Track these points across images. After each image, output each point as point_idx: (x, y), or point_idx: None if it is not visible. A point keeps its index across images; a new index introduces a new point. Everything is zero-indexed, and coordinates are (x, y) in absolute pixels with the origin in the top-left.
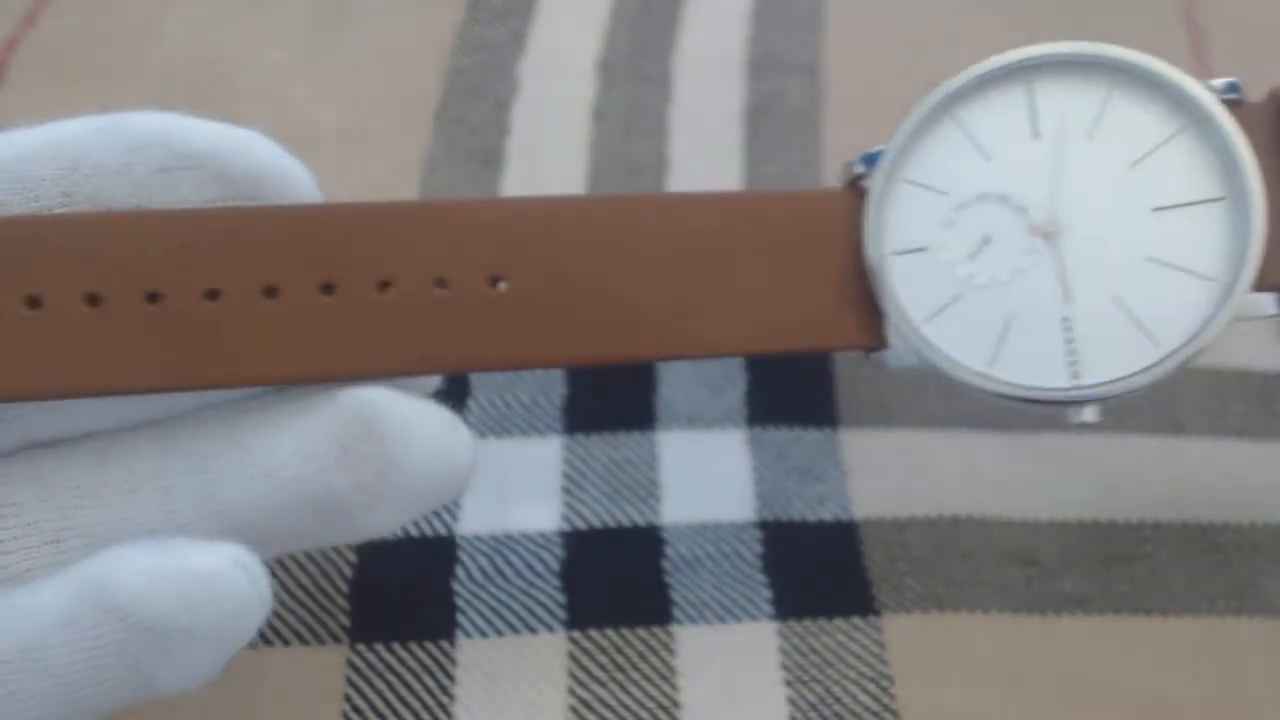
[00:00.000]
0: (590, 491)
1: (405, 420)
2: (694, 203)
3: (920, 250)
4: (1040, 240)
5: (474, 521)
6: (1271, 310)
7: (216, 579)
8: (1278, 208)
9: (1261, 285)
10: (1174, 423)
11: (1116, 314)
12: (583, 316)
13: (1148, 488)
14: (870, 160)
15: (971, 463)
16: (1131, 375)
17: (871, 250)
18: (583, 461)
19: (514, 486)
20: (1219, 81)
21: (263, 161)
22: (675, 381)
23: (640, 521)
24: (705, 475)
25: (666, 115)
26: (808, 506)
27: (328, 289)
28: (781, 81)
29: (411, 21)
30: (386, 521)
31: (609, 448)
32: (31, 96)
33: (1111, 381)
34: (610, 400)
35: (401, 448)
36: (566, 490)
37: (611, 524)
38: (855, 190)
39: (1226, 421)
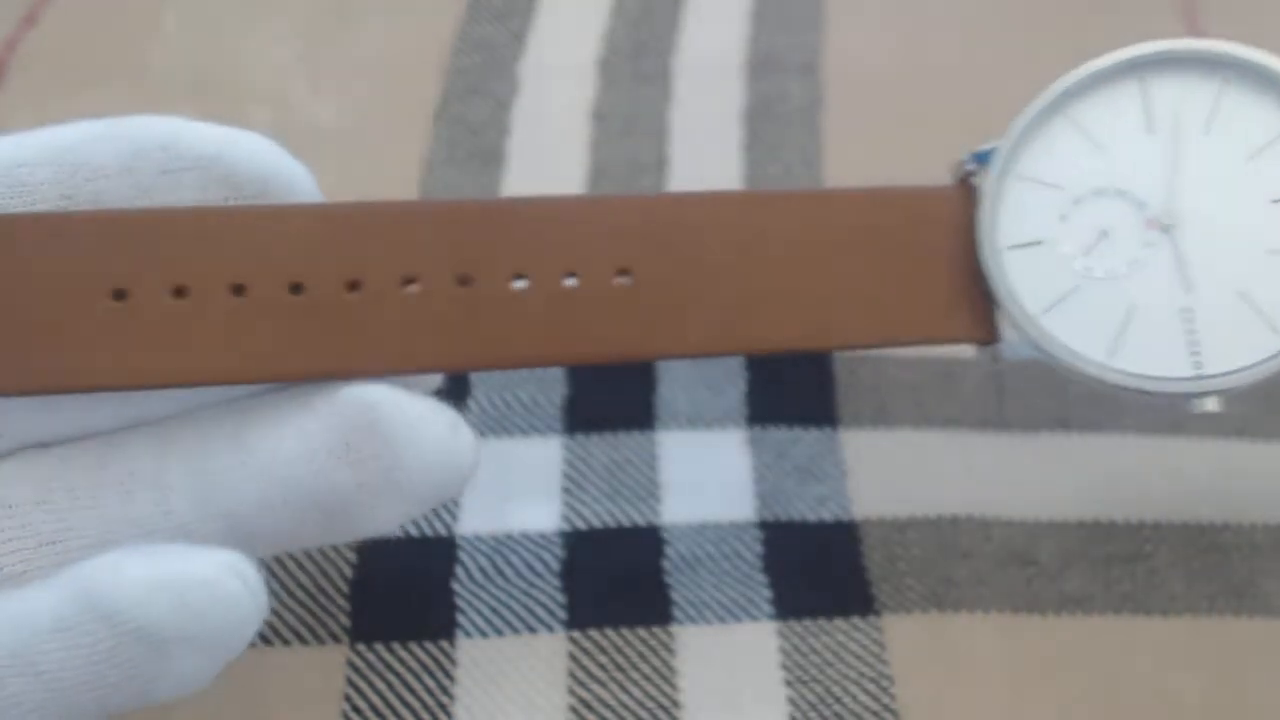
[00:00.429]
0: (590, 491)
1: (408, 419)
2: (810, 199)
3: (1036, 244)
4: (1158, 233)
5: (474, 521)
6: None
7: (213, 586)
8: None
9: None
10: (1174, 423)
11: (1238, 304)
12: (709, 309)
13: (1148, 488)
14: (982, 158)
15: (971, 463)
16: (1257, 364)
17: (986, 245)
18: (583, 461)
19: (514, 486)
20: None
21: (266, 163)
22: (675, 381)
23: (640, 521)
24: (705, 475)
25: (666, 115)
26: (808, 506)
27: (464, 281)
28: (781, 81)
29: (411, 21)
30: (388, 520)
31: (609, 448)
32: (31, 96)
33: (1236, 371)
34: (610, 400)
35: (404, 447)
36: (566, 490)
37: (611, 524)
38: (966, 187)
39: (1226, 421)
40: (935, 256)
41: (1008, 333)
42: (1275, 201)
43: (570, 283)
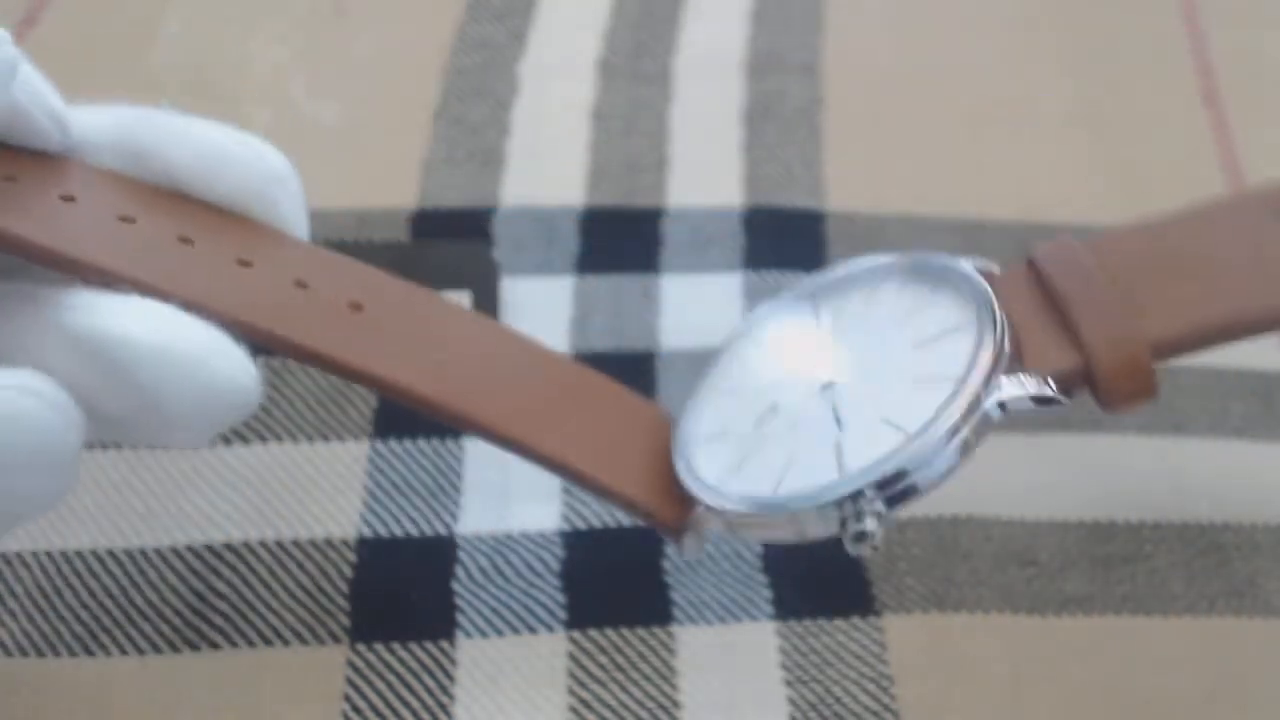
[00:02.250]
0: None
1: (153, 352)
2: (539, 357)
3: (722, 435)
4: (819, 390)
5: (474, 521)
6: (1031, 391)
7: (4, 405)
8: (1038, 348)
9: (1032, 366)
10: (1174, 423)
11: (879, 425)
12: (434, 357)
13: (1148, 488)
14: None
15: (971, 462)
16: (884, 459)
17: (678, 439)
18: None
19: (514, 486)
20: (972, 262)
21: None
22: (675, 381)
23: (640, 521)
24: None
25: (666, 115)
26: None
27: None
28: (781, 81)
29: (411, 21)
30: (184, 440)
31: None
32: None
33: (868, 468)
34: None
35: (155, 382)
36: (566, 490)
37: (611, 524)
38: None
39: (1226, 421)
40: (641, 439)
41: (698, 519)
42: (917, 345)
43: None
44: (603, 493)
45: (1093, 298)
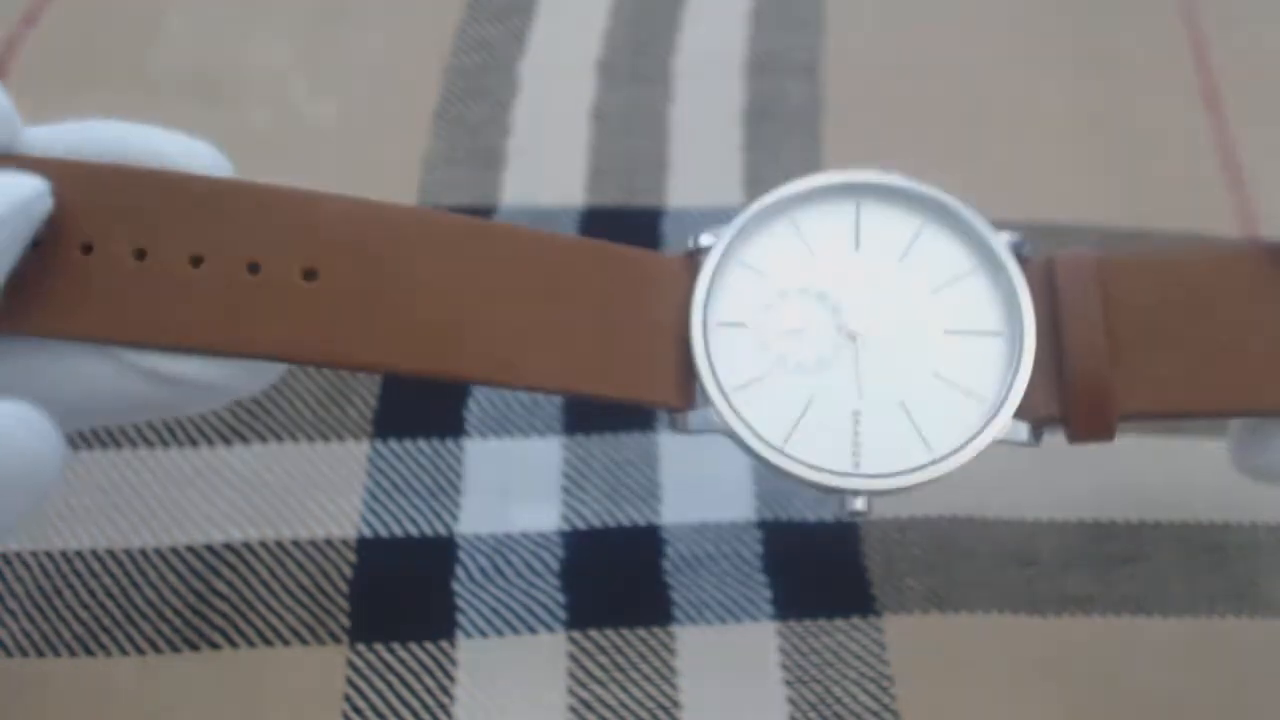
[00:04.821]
0: (590, 491)
1: None
2: (532, 240)
3: (740, 325)
4: (845, 338)
5: (474, 521)
6: (1023, 437)
7: None
8: (1042, 352)
9: (1019, 414)
10: (1174, 423)
11: (900, 416)
12: (397, 325)
13: (1148, 488)
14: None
15: (972, 463)
16: (904, 473)
17: (697, 317)
18: (583, 461)
19: (514, 486)
20: (1008, 235)
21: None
22: None
23: (640, 521)
24: (705, 475)
25: (666, 115)
26: (808, 506)
27: (139, 255)
28: (781, 81)
29: (411, 21)
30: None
31: (609, 448)
32: (31, 96)
33: (884, 475)
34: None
35: None
36: (566, 490)
37: (611, 524)
38: (689, 261)
39: (1226, 421)
40: (649, 319)
41: (700, 403)
42: (948, 332)
43: (253, 274)
44: (605, 400)
45: (1089, 349)
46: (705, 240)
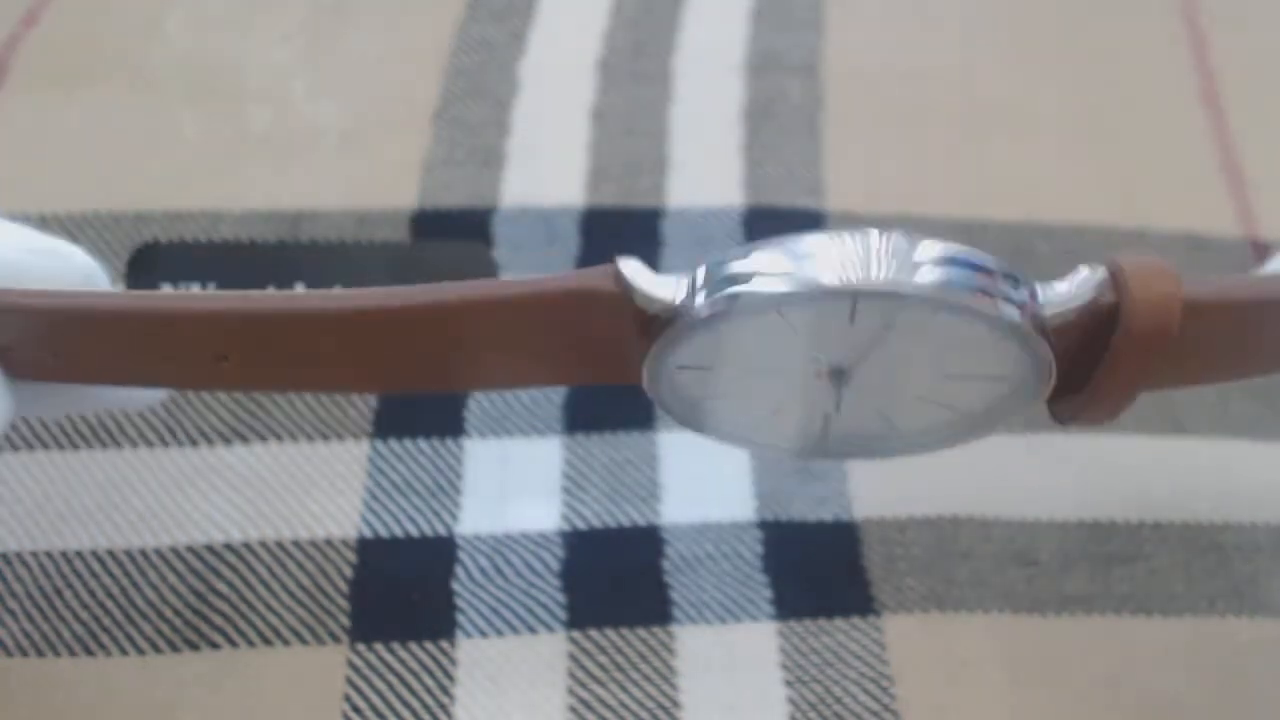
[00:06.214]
0: (590, 491)
1: None
2: (486, 306)
3: (704, 369)
4: (826, 377)
5: (474, 521)
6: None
7: None
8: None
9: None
10: (1174, 423)
11: (875, 418)
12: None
13: (1148, 488)
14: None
15: (971, 463)
16: (868, 439)
17: (655, 362)
18: (583, 461)
19: (514, 486)
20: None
21: None
22: None
23: (640, 521)
24: (705, 475)
25: (666, 115)
26: (808, 506)
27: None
28: (781, 81)
29: (411, 21)
30: None
31: (609, 448)
32: (31, 96)
33: (852, 435)
34: (610, 400)
35: None
36: (566, 490)
37: (611, 524)
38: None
39: (1226, 421)
40: (600, 341)
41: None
42: (948, 376)
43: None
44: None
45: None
46: (665, 295)
